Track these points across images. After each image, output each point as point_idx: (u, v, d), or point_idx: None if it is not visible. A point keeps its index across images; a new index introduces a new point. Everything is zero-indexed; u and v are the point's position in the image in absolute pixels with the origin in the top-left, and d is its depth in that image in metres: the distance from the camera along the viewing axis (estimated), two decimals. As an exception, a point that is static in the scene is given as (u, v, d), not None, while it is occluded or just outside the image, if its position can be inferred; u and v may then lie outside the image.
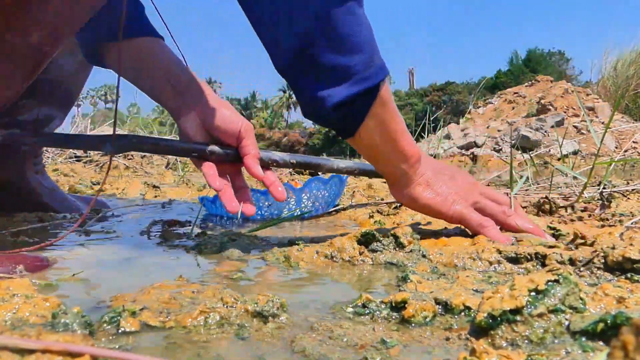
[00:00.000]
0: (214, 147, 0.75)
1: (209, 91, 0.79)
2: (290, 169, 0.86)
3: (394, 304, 0.43)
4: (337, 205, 1.15)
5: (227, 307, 0.42)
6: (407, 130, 0.68)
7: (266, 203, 1.01)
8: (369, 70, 0.61)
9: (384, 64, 0.63)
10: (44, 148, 1.12)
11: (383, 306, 0.44)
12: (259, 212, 1.02)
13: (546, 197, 0.98)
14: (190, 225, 0.90)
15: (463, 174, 0.74)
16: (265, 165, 0.77)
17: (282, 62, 0.63)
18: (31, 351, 0.27)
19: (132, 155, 2.75)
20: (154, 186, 1.63)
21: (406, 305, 0.43)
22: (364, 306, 0.44)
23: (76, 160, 2.74)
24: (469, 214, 0.69)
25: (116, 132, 0.74)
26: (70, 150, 3.00)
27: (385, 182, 1.78)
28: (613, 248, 0.55)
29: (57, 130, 1.01)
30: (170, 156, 2.86)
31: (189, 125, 0.76)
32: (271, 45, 0.63)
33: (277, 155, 0.80)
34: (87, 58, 0.82)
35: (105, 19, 0.71)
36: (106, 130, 4.25)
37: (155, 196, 1.52)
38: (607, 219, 0.83)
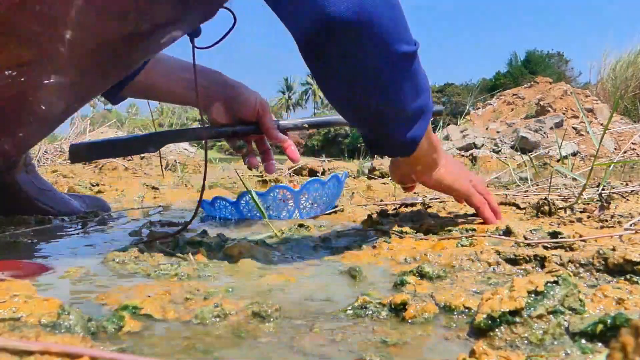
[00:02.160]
0: (239, 128, 0.92)
1: (224, 80, 0.93)
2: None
3: (393, 306, 0.43)
4: (336, 206, 1.15)
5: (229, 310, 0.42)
6: None
7: (265, 205, 1.01)
8: (430, 99, 0.71)
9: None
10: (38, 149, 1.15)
11: (382, 307, 0.44)
12: (257, 214, 1.02)
13: (545, 199, 0.98)
14: (187, 226, 0.90)
15: (453, 159, 0.87)
16: (283, 132, 0.92)
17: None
18: (30, 352, 0.27)
19: (131, 156, 2.75)
20: (153, 187, 1.63)
21: (406, 307, 0.43)
22: (362, 307, 0.44)
23: (75, 162, 2.73)
24: (474, 193, 0.82)
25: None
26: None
27: (384, 184, 1.78)
28: (613, 250, 0.55)
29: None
30: (170, 157, 2.92)
31: (215, 115, 0.92)
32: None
33: (291, 122, 0.95)
34: (109, 100, 0.95)
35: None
36: (105, 131, 4.25)
37: (155, 197, 1.52)
38: (606, 220, 0.83)
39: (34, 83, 0.62)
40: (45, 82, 0.62)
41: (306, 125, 0.95)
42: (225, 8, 0.72)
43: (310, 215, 1.07)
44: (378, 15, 0.56)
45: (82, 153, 0.91)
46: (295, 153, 0.93)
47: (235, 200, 1.03)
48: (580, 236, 0.65)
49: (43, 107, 0.65)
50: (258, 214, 1.01)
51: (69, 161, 0.94)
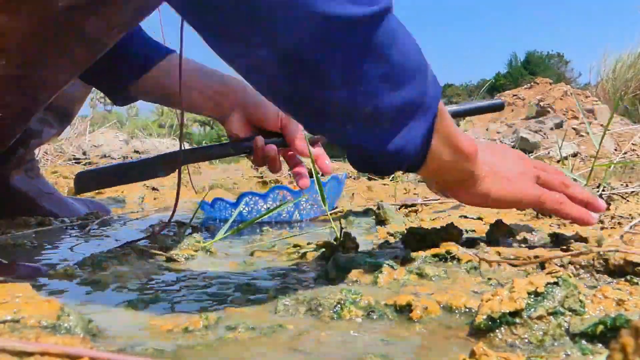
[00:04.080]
0: (261, 139, 0.80)
1: (241, 85, 0.83)
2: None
3: (397, 307, 0.43)
4: (336, 207, 1.15)
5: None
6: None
7: (265, 206, 1.01)
8: (429, 89, 0.48)
9: (433, 74, 0.50)
10: (37, 150, 1.12)
11: (385, 308, 0.44)
12: (257, 215, 1.02)
13: (545, 200, 0.97)
14: (185, 227, 0.90)
15: (509, 149, 0.66)
16: (312, 143, 0.81)
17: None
18: (30, 354, 0.27)
19: (131, 158, 2.75)
20: (154, 188, 1.63)
21: (411, 307, 0.43)
22: (366, 307, 0.44)
23: (75, 162, 2.74)
24: (542, 195, 0.59)
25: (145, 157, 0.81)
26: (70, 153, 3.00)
27: (385, 185, 1.78)
28: (616, 251, 0.55)
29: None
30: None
31: (234, 127, 0.82)
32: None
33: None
34: (113, 101, 0.87)
35: (123, 61, 0.76)
36: (106, 132, 4.25)
37: (155, 198, 1.52)
38: (602, 222, 0.83)
39: None
40: None
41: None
42: None
43: (310, 216, 1.07)
44: None
45: (89, 183, 0.85)
46: (327, 166, 0.83)
47: (235, 201, 1.03)
48: (581, 237, 0.65)
49: None
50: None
51: (75, 192, 0.89)
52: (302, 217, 1.06)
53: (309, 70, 0.42)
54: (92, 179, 0.86)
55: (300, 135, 0.80)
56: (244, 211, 1.03)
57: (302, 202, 1.05)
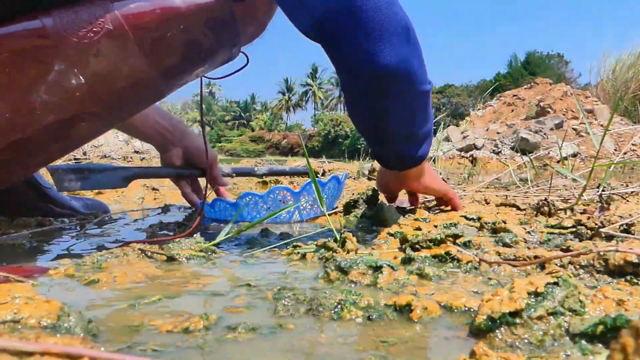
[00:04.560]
0: (191, 171, 1.12)
1: (186, 130, 1.11)
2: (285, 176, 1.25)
3: (397, 307, 0.43)
4: (336, 207, 1.15)
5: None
6: None
7: (265, 206, 1.01)
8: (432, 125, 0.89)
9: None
10: None
11: (385, 308, 0.44)
12: (257, 215, 1.02)
13: (545, 200, 0.98)
14: (185, 227, 0.90)
15: (429, 165, 1.00)
16: (225, 176, 1.17)
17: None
18: (30, 354, 0.27)
19: (131, 158, 2.75)
20: (154, 188, 1.63)
21: (411, 308, 0.43)
22: (366, 308, 0.44)
23: (76, 163, 2.74)
24: (449, 189, 1.02)
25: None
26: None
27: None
28: (616, 252, 0.55)
29: None
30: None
31: (173, 157, 1.10)
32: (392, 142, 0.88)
33: (224, 170, 1.18)
34: None
35: None
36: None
37: (155, 198, 1.52)
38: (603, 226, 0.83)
39: (74, 112, 0.67)
40: (83, 112, 0.68)
41: (233, 175, 1.20)
42: (242, 52, 0.82)
43: (310, 216, 1.07)
44: (414, 66, 0.73)
45: (67, 180, 0.93)
46: (225, 194, 1.17)
47: (235, 202, 1.03)
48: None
49: (73, 133, 0.70)
50: (259, 216, 1.01)
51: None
52: (302, 217, 1.06)
53: (408, 116, 0.81)
54: (66, 174, 0.94)
55: (219, 173, 1.14)
56: (244, 212, 1.03)
57: (302, 203, 1.05)
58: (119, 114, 0.74)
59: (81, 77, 0.64)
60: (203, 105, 1.00)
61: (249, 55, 0.87)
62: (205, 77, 0.85)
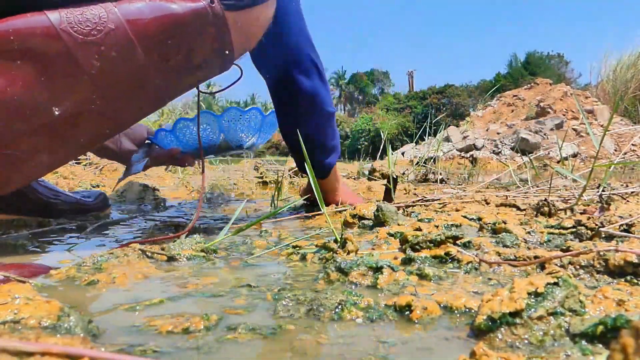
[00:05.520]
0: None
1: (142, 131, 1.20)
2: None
3: (397, 308, 0.43)
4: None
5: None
6: None
7: (195, 129, 1.06)
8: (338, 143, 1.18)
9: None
10: None
11: (385, 308, 0.44)
12: (193, 143, 1.09)
13: (545, 200, 0.98)
14: (184, 226, 0.90)
15: (344, 182, 1.27)
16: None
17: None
18: (30, 354, 0.27)
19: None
20: (154, 189, 1.63)
21: (411, 308, 0.43)
22: (366, 308, 0.44)
23: (75, 163, 2.74)
24: (358, 199, 1.26)
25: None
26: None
27: (384, 185, 1.78)
28: (616, 251, 0.55)
29: None
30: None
31: (126, 146, 1.17)
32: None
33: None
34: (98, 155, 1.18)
35: None
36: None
37: (155, 199, 1.52)
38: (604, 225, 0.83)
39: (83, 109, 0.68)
40: (88, 108, 0.68)
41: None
42: (236, 65, 0.86)
43: (265, 140, 1.19)
44: (324, 95, 1.04)
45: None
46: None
47: (171, 129, 1.08)
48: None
49: (78, 131, 0.70)
50: (195, 143, 1.09)
51: None
52: (258, 142, 1.19)
53: (320, 129, 1.09)
54: None
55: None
56: (182, 137, 1.09)
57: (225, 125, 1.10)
58: (122, 115, 0.74)
59: (85, 74, 0.65)
60: (203, 105, 1.01)
61: (249, 56, 0.87)
62: (201, 91, 0.90)
